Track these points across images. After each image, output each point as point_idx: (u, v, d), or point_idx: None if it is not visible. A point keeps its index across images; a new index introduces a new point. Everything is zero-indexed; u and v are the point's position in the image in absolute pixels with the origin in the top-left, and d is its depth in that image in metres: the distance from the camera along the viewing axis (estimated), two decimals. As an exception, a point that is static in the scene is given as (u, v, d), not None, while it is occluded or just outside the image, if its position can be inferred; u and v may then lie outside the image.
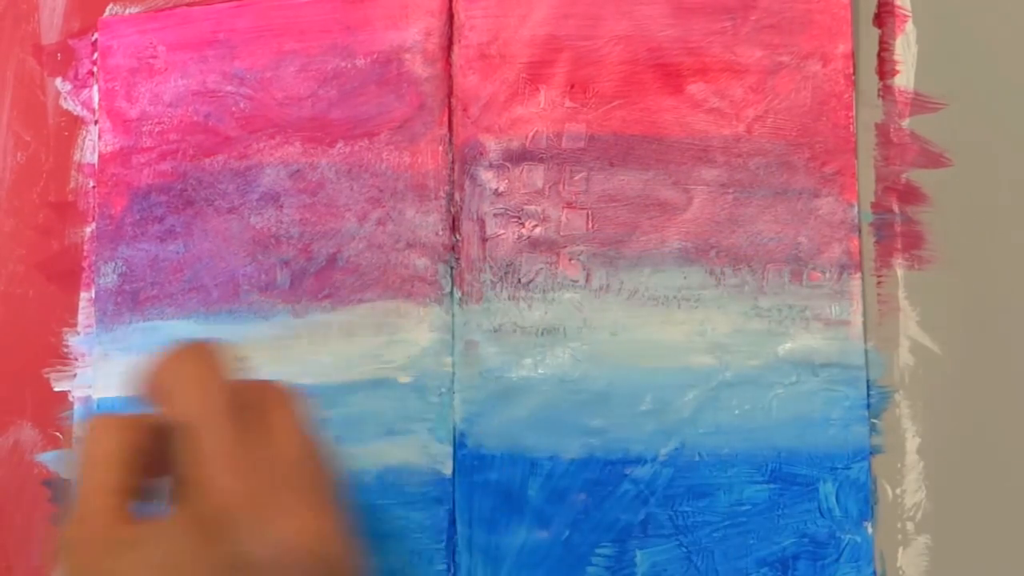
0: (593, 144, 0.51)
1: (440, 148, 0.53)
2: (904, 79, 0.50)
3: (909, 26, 0.50)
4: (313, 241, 0.54)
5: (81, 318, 0.58)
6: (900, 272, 0.49)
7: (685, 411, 0.49)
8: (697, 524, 0.48)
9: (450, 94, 0.53)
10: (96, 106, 0.59)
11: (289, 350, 0.53)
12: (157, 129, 0.57)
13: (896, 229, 0.49)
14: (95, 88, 0.59)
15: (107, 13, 0.60)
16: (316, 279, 0.54)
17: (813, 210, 0.49)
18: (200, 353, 0.40)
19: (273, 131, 0.55)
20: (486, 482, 0.50)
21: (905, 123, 0.50)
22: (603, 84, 0.51)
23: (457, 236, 0.53)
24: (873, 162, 0.50)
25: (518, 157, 0.52)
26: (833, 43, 0.50)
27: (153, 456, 0.39)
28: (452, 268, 0.52)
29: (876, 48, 0.50)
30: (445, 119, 0.53)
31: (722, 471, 0.48)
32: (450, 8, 0.54)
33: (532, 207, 0.52)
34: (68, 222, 0.59)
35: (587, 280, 0.51)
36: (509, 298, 0.51)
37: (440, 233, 0.53)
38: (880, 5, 0.50)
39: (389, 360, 0.52)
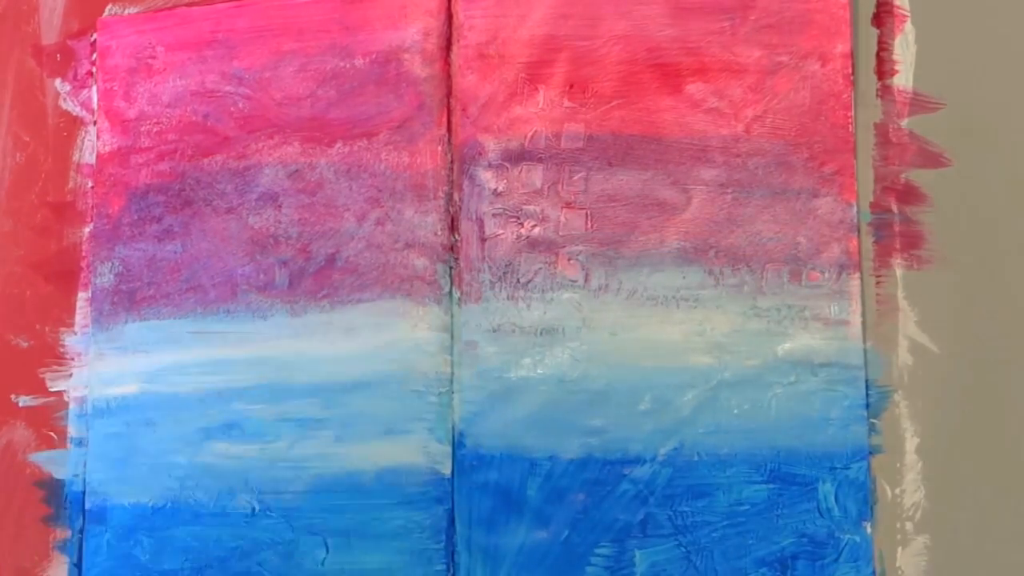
0: (592, 144, 0.51)
1: (439, 148, 0.53)
2: (903, 79, 0.50)
3: (908, 26, 0.50)
4: (312, 241, 0.54)
5: (78, 318, 0.57)
6: (899, 272, 0.49)
7: (684, 411, 0.49)
8: (696, 524, 0.48)
9: (449, 94, 0.53)
10: (95, 106, 0.59)
11: (287, 350, 0.53)
12: (155, 129, 0.57)
13: (895, 229, 0.49)
14: (94, 88, 0.59)
15: (106, 13, 0.60)
16: (315, 279, 0.54)
17: (812, 210, 0.49)
18: None
19: (272, 131, 0.55)
20: (485, 482, 0.50)
21: (904, 123, 0.50)
22: (602, 84, 0.51)
23: (456, 236, 0.52)
24: (872, 162, 0.50)
25: (517, 157, 0.52)
26: (832, 43, 0.50)
27: None
28: (451, 268, 0.52)
29: (875, 48, 0.50)
30: (444, 119, 0.53)
31: (721, 471, 0.48)
32: (449, 8, 0.54)
33: (531, 207, 0.52)
34: (66, 222, 0.59)
35: (586, 280, 0.51)
36: (508, 298, 0.51)
37: (439, 233, 0.53)
38: (879, 5, 0.50)
39: (388, 360, 0.52)
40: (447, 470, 0.51)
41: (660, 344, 0.50)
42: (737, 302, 0.49)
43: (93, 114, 0.59)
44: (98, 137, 0.58)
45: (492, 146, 0.52)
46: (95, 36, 0.59)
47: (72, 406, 0.57)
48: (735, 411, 0.49)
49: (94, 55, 0.59)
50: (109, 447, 0.55)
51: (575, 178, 0.51)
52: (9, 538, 0.57)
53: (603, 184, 0.51)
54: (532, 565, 0.49)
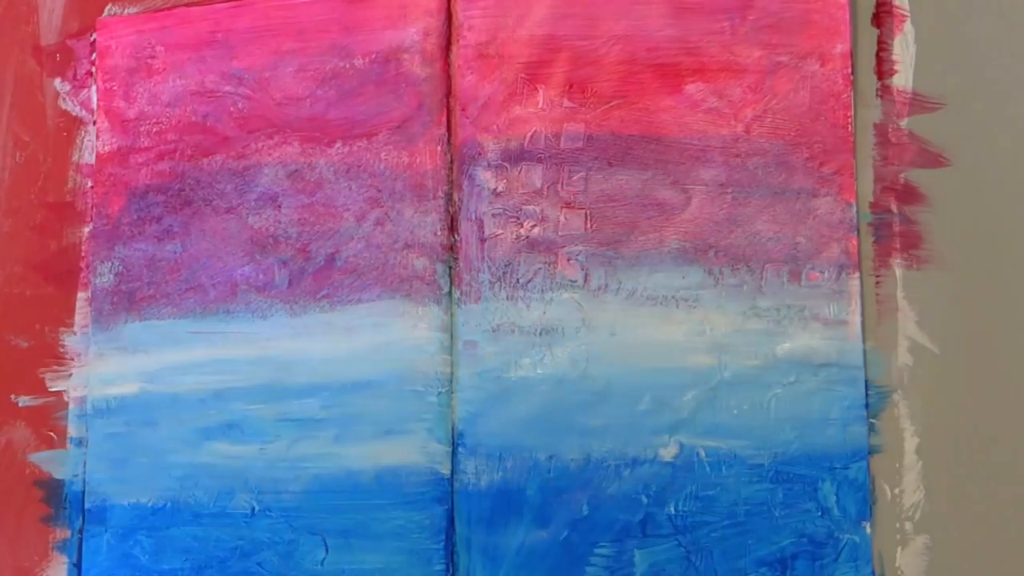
0: (591, 144, 0.51)
1: (438, 148, 0.53)
2: (902, 79, 0.50)
3: (907, 26, 0.50)
4: (311, 241, 0.54)
5: (78, 318, 0.57)
6: (899, 272, 0.49)
7: (684, 411, 0.49)
8: (696, 524, 0.48)
9: (448, 94, 0.53)
10: (95, 106, 0.59)
11: (287, 350, 0.53)
12: (155, 129, 0.57)
13: (894, 229, 0.49)
14: (94, 88, 0.59)
15: (106, 13, 0.60)
16: (314, 279, 0.54)
17: (811, 210, 0.49)
18: None
19: (271, 131, 0.55)
20: (485, 482, 0.50)
21: (903, 123, 0.50)
22: (601, 84, 0.51)
23: (455, 236, 0.52)
24: (871, 162, 0.50)
25: (516, 157, 0.52)
26: (831, 43, 0.50)
27: None
28: (450, 268, 0.52)
29: (874, 48, 0.50)
30: (443, 119, 0.53)
31: (721, 471, 0.48)
32: (448, 8, 0.54)
33: (530, 207, 0.52)
34: (66, 222, 0.59)
35: (585, 280, 0.51)
36: (507, 298, 0.51)
37: (438, 233, 0.53)
38: (878, 5, 0.50)
39: (387, 360, 0.52)
40: (446, 470, 0.51)
41: (660, 344, 0.50)
42: (737, 302, 0.49)
43: (93, 114, 0.59)
44: (98, 137, 0.58)
45: (492, 146, 0.52)
46: (95, 36, 0.59)
47: (72, 406, 0.57)
48: (735, 411, 0.49)
49: (94, 55, 0.59)
50: (109, 447, 0.55)
51: (574, 178, 0.51)
52: (8, 538, 0.57)
53: (603, 184, 0.51)
54: (532, 565, 0.49)
